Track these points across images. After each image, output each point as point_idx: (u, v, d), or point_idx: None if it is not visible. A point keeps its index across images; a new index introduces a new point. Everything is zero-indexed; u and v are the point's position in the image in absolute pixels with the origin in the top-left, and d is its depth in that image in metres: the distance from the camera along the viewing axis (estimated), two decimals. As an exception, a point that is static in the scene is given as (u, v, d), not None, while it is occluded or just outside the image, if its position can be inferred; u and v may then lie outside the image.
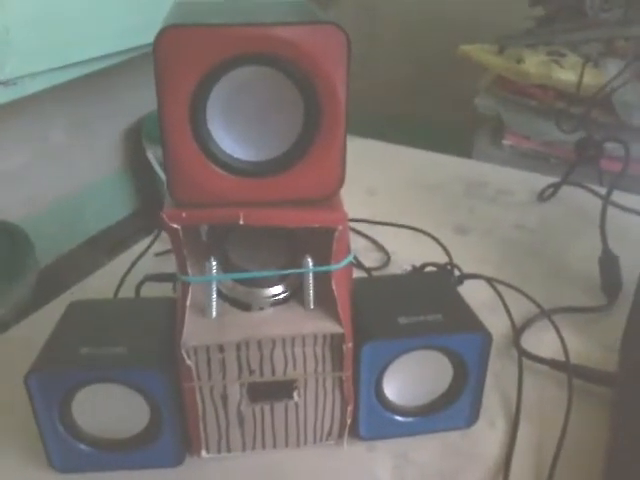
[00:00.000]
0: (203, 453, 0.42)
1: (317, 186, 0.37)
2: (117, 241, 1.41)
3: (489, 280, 0.54)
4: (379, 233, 0.69)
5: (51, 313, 0.45)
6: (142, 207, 1.71)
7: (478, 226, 0.72)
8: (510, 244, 0.68)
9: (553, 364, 0.50)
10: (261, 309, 0.39)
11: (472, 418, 0.45)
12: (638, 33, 1.09)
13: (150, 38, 0.32)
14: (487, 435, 0.45)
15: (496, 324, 0.46)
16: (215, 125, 0.35)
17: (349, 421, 0.43)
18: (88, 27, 1.13)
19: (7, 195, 1.35)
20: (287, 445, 0.43)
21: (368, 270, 0.63)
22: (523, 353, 0.50)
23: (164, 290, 0.49)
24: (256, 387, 0.40)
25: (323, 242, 0.38)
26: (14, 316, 1.01)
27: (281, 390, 0.41)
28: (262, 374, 0.40)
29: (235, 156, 0.36)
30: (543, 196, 0.78)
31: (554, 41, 1.18)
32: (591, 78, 1.06)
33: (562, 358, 0.49)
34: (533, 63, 1.15)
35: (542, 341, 0.52)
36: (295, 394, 0.41)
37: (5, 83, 1.01)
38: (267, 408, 0.41)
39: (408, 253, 0.64)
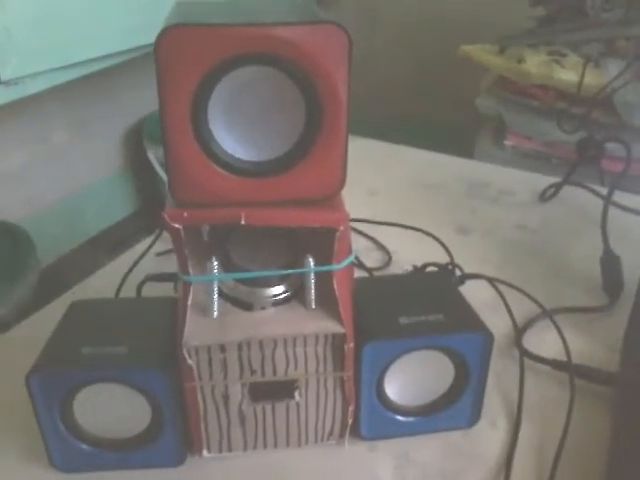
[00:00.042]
0: (204, 453, 0.42)
1: (318, 186, 0.37)
2: (118, 241, 1.41)
3: (490, 280, 0.54)
4: (380, 233, 0.69)
5: (52, 313, 0.45)
6: (143, 207, 1.71)
7: (480, 226, 0.72)
8: (512, 244, 0.68)
9: (555, 364, 0.50)
10: (262, 309, 0.39)
11: (473, 418, 0.45)
12: (639, 33, 1.09)
13: (151, 38, 0.32)
14: (488, 435, 0.45)
15: (497, 324, 0.46)
16: (216, 125, 0.35)
17: (350, 421, 0.43)
18: (89, 27, 1.13)
19: (7, 195, 1.35)
20: (288, 445, 0.43)
21: (369, 270, 0.63)
22: (525, 353, 0.50)
23: (165, 290, 0.49)
24: (257, 387, 0.40)
25: (324, 242, 0.38)
26: (15, 316, 1.02)
27: (282, 390, 0.41)
28: (263, 374, 0.40)
29: (236, 156, 0.36)
30: (544, 196, 0.78)
31: (555, 41, 1.18)
32: (592, 78, 1.06)
33: (564, 358, 0.49)
34: (534, 63, 1.15)
35: (544, 341, 0.52)
36: (296, 394, 0.41)
37: (6, 83, 1.01)
38: (268, 408, 0.41)
39: (409, 253, 0.64)
